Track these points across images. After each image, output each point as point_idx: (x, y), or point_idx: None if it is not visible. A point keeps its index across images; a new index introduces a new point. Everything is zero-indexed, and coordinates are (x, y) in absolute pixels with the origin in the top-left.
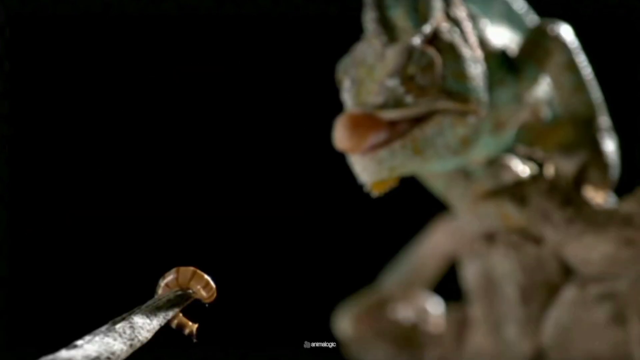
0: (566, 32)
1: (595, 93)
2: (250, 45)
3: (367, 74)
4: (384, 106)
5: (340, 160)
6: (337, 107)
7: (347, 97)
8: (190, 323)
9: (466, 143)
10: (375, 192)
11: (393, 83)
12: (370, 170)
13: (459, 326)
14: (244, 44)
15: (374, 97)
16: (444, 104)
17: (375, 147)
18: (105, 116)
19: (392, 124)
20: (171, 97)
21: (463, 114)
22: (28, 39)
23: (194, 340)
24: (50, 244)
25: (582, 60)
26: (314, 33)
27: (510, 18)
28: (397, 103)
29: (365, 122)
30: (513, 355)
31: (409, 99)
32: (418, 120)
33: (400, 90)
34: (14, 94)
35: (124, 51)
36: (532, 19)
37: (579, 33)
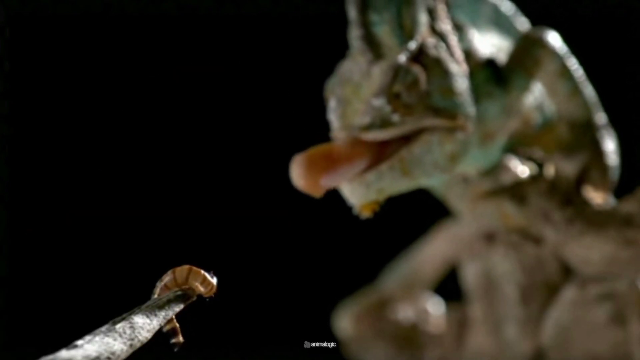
0: (554, 38)
1: (590, 93)
2: (250, 45)
3: (353, 93)
4: (371, 126)
5: None
6: None
7: (333, 117)
8: (180, 334)
9: (454, 159)
10: (365, 214)
11: (379, 102)
12: (358, 193)
13: (459, 326)
14: (244, 44)
15: (360, 117)
16: (431, 121)
17: (363, 171)
18: (105, 116)
19: (379, 144)
20: (171, 97)
21: (451, 131)
22: (28, 39)
23: (175, 350)
24: (50, 244)
25: (573, 64)
26: (314, 33)
27: (499, 22)
28: (384, 123)
29: (323, 160)
30: (513, 355)
31: (395, 118)
32: (405, 139)
33: (387, 109)
34: (14, 94)
35: (124, 51)
36: (520, 21)
37: (576, 33)
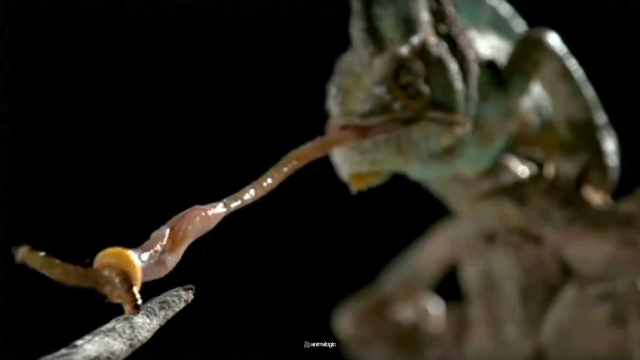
0: (554, 39)
1: (590, 94)
2: (250, 45)
3: (354, 82)
4: (371, 113)
5: None
6: None
7: (333, 104)
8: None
9: (450, 153)
10: (354, 187)
11: (380, 91)
12: (350, 159)
13: (459, 326)
14: (244, 44)
15: (360, 104)
16: (431, 113)
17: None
18: (105, 116)
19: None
20: (171, 97)
21: (449, 125)
22: (28, 39)
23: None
24: (50, 244)
25: (573, 65)
26: (314, 33)
27: (497, 24)
28: (384, 110)
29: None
30: (513, 355)
31: (396, 106)
32: (406, 123)
33: (388, 98)
34: (14, 94)
35: (124, 51)
36: (518, 23)
37: (577, 33)
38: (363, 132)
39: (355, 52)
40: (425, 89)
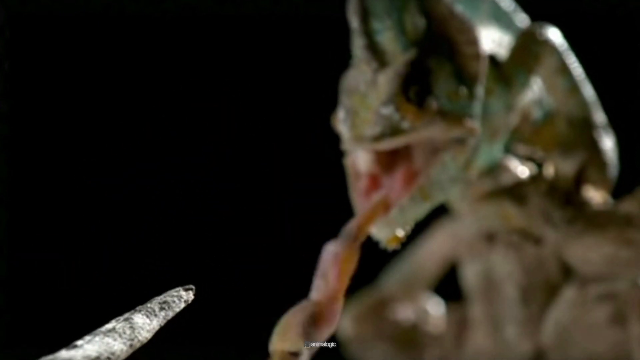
0: (554, 34)
1: (588, 92)
2: (250, 45)
3: (360, 103)
4: (382, 136)
5: (340, 159)
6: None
7: (343, 128)
8: None
9: (467, 167)
10: (392, 246)
11: (388, 111)
12: (384, 230)
13: (459, 326)
14: (244, 44)
15: (370, 127)
16: (440, 127)
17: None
18: (105, 116)
19: (391, 155)
20: (171, 97)
21: (462, 141)
22: (28, 39)
23: None
24: (50, 244)
25: (572, 62)
26: (314, 33)
27: (498, 18)
28: (395, 131)
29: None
30: (513, 355)
31: (405, 124)
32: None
33: (396, 117)
34: (14, 94)
35: (124, 51)
36: (520, 17)
37: (577, 32)
38: (387, 205)
39: (358, 70)
40: (431, 100)
